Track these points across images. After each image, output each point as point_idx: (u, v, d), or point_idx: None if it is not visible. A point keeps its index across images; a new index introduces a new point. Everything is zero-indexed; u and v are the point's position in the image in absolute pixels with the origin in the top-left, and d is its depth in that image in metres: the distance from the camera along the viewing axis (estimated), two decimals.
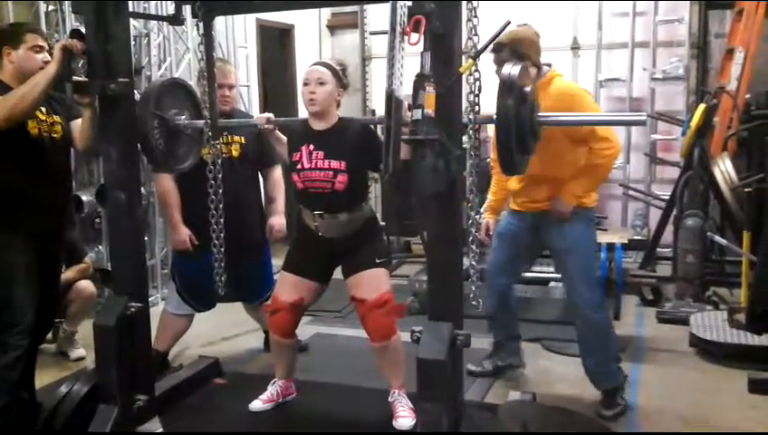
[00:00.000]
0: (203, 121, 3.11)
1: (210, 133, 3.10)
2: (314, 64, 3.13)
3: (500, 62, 3.16)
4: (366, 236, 3.20)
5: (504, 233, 3.57)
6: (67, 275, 4.12)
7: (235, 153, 3.70)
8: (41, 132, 3.00)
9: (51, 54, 3.00)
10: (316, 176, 3.07)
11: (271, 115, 3.21)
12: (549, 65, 3.30)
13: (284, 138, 3.25)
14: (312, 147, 3.09)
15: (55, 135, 3.08)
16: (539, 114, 2.45)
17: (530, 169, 3.20)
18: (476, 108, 2.35)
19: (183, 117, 3.11)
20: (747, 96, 5.32)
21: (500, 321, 3.70)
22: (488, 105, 2.35)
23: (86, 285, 4.22)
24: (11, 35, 2.99)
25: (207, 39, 3.05)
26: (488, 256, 3.67)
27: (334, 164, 3.05)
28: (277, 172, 3.95)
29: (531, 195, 3.37)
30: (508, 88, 2.29)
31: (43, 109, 3.03)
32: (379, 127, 3.35)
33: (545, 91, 3.14)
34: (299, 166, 3.11)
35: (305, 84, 3.07)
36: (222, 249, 3.23)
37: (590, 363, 3.37)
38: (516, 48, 3.16)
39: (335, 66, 3.12)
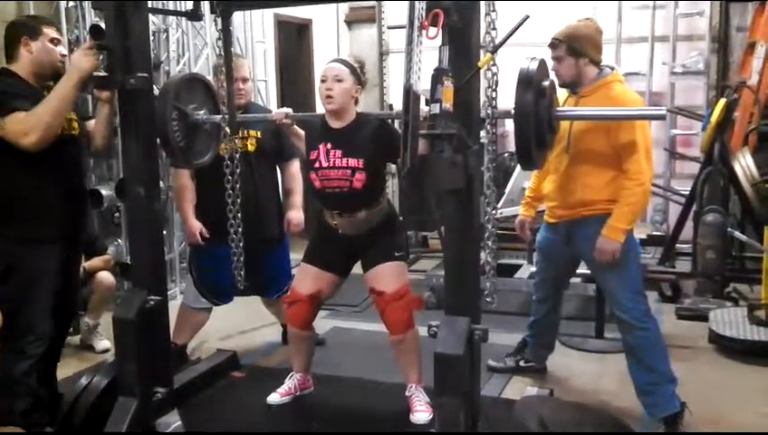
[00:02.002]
0: (221, 116, 3.12)
1: (228, 128, 3.11)
2: (332, 62, 3.13)
3: (556, 59, 3.14)
4: (385, 230, 3.21)
5: (542, 247, 3.52)
6: (92, 263, 4.18)
7: (251, 148, 3.71)
8: (62, 131, 2.96)
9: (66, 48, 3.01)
10: (334, 175, 3.07)
11: (289, 110, 3.21)
12: (612, 68, 3.21)
13: (302, 132, 3.26)
14: (329, 145, 3.09)
15: (74, 132, 3.08)
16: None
17: (563, 166, 3.20)
18: (494, 103, 2.34)
19: (202, 112, 3.12)
20: None
21: (539, 327, 3.68)
22: (506, 100, 2.35)
23: (105, 276, 4.26)
24: (29, 27, 2.99)
25: (225, 34, 3.05)
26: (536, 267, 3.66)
27: (352, 162, 3.05)
28: (295, 166, 3.95)
29: (563, 198, 3.25)
30: (526, 82, 2.28)
31: None
32: (396, 121, 3.36)
33: (601, 94, 3.09)
34: (316, 165, 3.11)
35: (322, 81, 3.07)
36: (240, 244, 3.25)
37: (639, 381, 3.15)
38: (573, 45, 3.09)
39: (353, 63, 3.11)
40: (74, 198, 3.12)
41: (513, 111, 2.30)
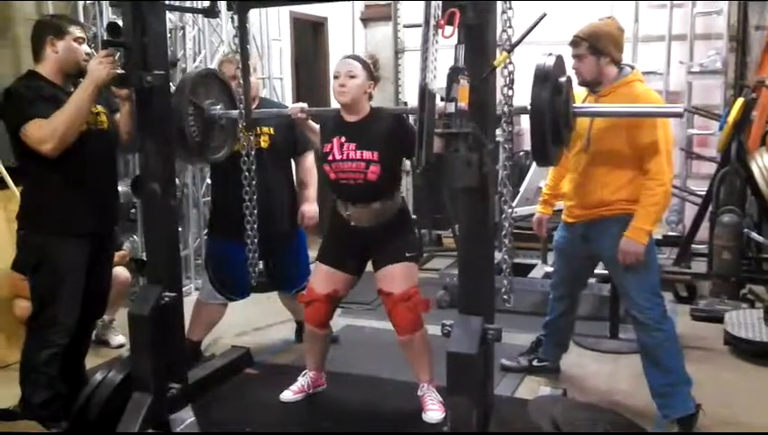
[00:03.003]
0: (237, 112, 3.13)
1: (244, 123, 3.11)
2: (345, 58, 3.14)
3: (577, 57, 3.13)
4: (397, 229, 3.21)
5: (559, 248, 3.51)
6: None
7: (264, 144, 3.70)
8: (89, 125, 3.02)
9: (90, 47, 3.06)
10: (348, 167, 3.08)
11: (305, 105, 3.23)
12: (632, 67, 3.20)
13: (317, 127, 3.27)
14: (343, 139, 3.10)
15: (102, 126, 3.12)
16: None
17: (582, 165, 3.18)
18: (510, 101, 2.33)
19: (218, 107, 3.13)
20: None
21: (554, 327, 3.67)
22: (523, 99, 2.34)
23: (120, 271, 4.28)
24: (55, 26, 3.04)
25: (242, 31, 3.06)
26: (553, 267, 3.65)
27: (366, 155, 3.05)
28: (309, 159, 3.95)
29: (581, 198, 3.23)
30: (543, 78, 2.27)
31: None
32: (411, 116, 3.35)
33: (622, 93, 3.07)
34: (330, 157, 3.12)
35: (335, 77, 3.08)
36: (255, 240, 3.25)
37: (653, 382, 3.14)
38: (595, 43, 3.08)
39: (366, 59, 3.12)
40: (101, 193, 3.17)
41: (528, 108, 2.30)
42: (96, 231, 3.14)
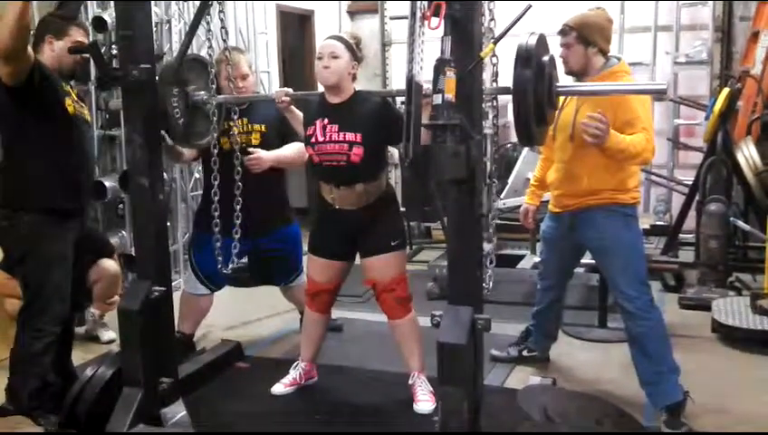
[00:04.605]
0: (222, 97, 3.14)
1: (220, 110, 3.14)
2: (328, 38, 3.15)
3: (565, 46, 3.14)
4: (383, 214, 3.22)
5: (546, 237, 3.52)
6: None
7: (255, 142, 3.68)
8: (76, 111, 3.11)
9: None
10: (331, 148, 3.08)
11: (289, 90, 3.22)
12: (619, 58, 3.21)
13: (300, 114, 3.26)
14: (326, 120, 3.10)
15: (86, 118, 3.22)
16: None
17: (568, 155, 3.19)
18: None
19: (202, 93, 3.10)
20: None
21: (543, 317, 3.68)
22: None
23: (110, 265, 4.23)
24: (57, 26, 3.11)
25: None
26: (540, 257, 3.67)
27: (349, 136, 3.06)
28: (297, 143, 3.80)
29: (567, 187, 3.24)
30: (525, 58, 2.28)
31: (73, 92, 3.17)
32: (397, 100, 3.34)
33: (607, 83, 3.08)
34: (313, 139, 3.12)
35: (319, 58, 3.09)
36: (237, 234, 3.24)
37: (641, 371, 3.14)
38: (583, 33, 3.09)
39: (349, 39, 3.13)
40: (87, 179, 3.26)
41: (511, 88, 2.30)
42: (77, 213, 3.18)
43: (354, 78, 3.16)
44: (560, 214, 3.35)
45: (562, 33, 3.15)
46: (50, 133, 3.02)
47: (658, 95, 2.84)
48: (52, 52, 3.08)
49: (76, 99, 3.17)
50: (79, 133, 3.15)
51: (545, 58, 2.38)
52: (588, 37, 3.10)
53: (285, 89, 3.25)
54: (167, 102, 2.91)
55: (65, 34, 3.08)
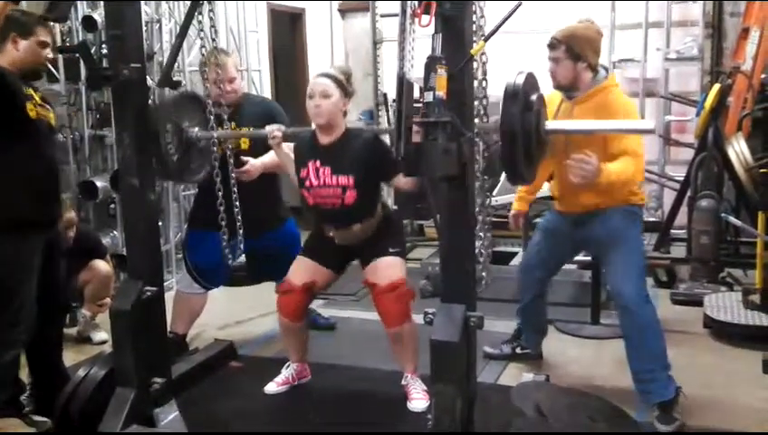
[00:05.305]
0: (215, 133, 3.09)
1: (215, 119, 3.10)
2: (318, 76, 3.15)
3: (554, 60, 3.11)
4: (383, 235, 3.26)
5: (546, 228, 3.51)
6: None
7: (244, 146, 3.67)
8: (38, 115, 2.94)
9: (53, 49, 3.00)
10: (325, 193, 3.11)
11: (282, 126, 3.22)
12: (606, 70, 3.20)
13: (291, 156, 3.24)
14: (318, 163, 3.12)
15: (50, 122, 3.06)
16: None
17: (568, 178, 3.17)
18: (484, 92, 2.35)
19: (195, 129, 3.06)
20: (763, 76, 5.25)
21: (529, 312, 3.68)
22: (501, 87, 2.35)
23: (102, 266, 4.23)
24: (23, 24, 2.95)
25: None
26: (528, 248, 3.64)
27: (342, 180, 3.07)
28: None
29: (573, 200, 3.25)
30: (512, 97, 2.27)
31: (36, 95, 3.00)
32: (387, 136, 3.33)
33: (598, 100, 3.08)
34: (307, 183, 3.15)
35: (310, 97, 3.09)
36: (225, 236, 3.24)
37: (634, 365, 3.13)
38: (572, 47, 3.06)
39: (339, 76, 3.13)
40: (56, 184, 3.10)
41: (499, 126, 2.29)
42: (48, 220, 3.05)
43: (345, 114, 3.17)
44: (567, 212, 3.35)
45: (551, 46, 3.11)
46: (8, 141, 2.84)
47: (647, 134, 2.82)
48: (16, 51, 2.91)
49: (39, 102, 2.99)
50: (42, 139, 2.98)
51: (534, 96, 2.36)
52: (577, 52, 3.07)
53: (277, 125, 3.24)
54: (161, 142, 2.86)
55: (31, 34, 2.93)
